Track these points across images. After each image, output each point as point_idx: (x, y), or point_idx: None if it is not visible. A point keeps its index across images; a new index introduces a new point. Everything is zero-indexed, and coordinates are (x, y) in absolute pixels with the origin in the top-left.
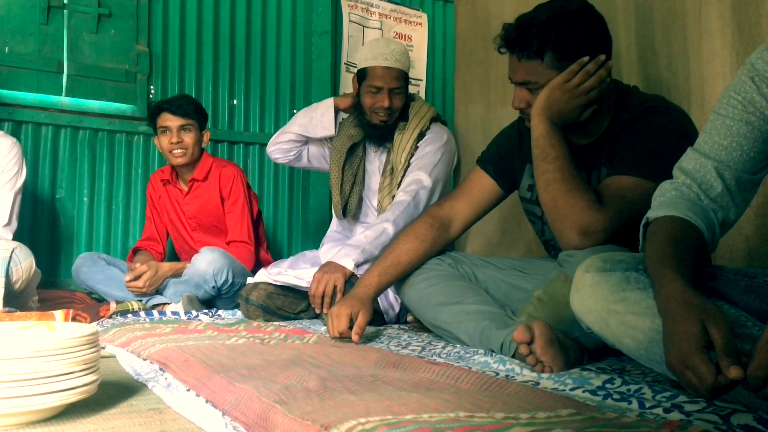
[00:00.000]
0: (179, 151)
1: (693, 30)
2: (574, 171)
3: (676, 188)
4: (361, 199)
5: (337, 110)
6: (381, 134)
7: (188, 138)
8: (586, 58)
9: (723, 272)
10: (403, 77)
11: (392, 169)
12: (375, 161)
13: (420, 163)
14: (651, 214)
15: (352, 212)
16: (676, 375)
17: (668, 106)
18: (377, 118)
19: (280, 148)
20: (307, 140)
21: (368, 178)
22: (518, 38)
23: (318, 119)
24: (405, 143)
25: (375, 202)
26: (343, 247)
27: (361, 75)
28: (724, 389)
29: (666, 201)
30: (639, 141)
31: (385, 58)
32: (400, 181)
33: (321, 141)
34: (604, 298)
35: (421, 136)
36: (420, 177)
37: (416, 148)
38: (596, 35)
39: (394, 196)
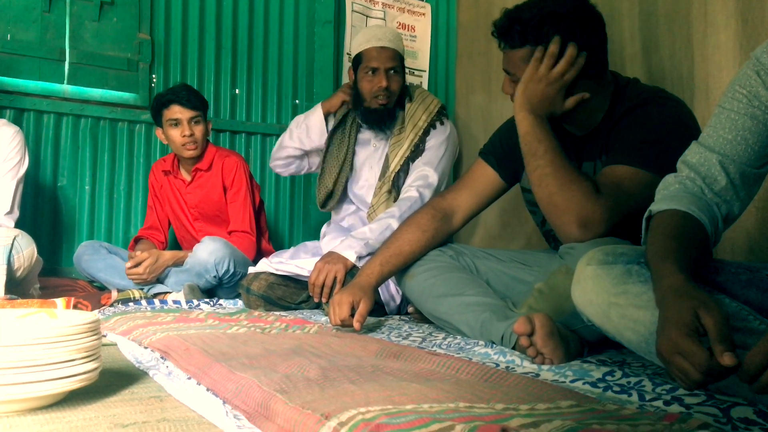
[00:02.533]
0: (192, 144)
1: (697, 22)
2: (566, 163)
3: (679, 181)
4: (345, 190)
5: (327, 115)
6: (381, 117)
7: (198, 130)
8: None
9: (725, 266)
10: (398, 58)
11: (386, 169)
12: (372, 153)
13: (425, 158)
14: (654, 207)
15: (332, 205)
16: (666, 362)
17: (666, 96)
18: (376, 102)
19: (279, 164)
20: (305, 153)
21: (359, 168)
22: (506, 28)
23: (312, 128)
24: (400, 149)
25: (368, 198)
26: (347, 238)
27: (357, 61)
28: (716, 376)
29: (669, 194)
30: (635, 131)
31: (378, 39)
32: (393, 180)
33: (319, 149)
34: (605, 291)
35: (416, 146)
36: (427, 173)
37: (414, 150)
38: (589, 30)
39: (395, 198)
